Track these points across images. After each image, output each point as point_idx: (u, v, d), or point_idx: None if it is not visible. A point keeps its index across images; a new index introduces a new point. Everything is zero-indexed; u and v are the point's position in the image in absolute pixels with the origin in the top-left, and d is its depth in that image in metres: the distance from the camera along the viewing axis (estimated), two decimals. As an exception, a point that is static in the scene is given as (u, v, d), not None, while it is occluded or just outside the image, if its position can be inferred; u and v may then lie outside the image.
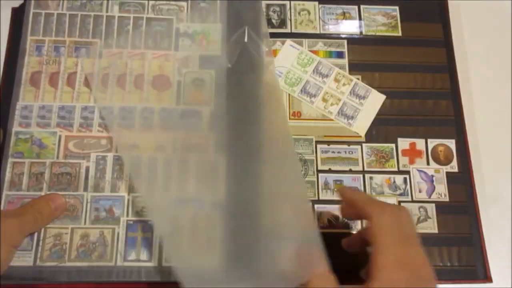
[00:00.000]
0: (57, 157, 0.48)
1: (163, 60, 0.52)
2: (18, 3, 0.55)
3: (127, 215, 0.46)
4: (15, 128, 0.48)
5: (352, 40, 0.55)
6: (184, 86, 0.51)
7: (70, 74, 0.51)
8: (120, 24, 0.53)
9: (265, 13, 0.55)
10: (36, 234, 0.45)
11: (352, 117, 0.52)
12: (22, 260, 0.44)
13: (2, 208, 0.46)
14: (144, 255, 0.45)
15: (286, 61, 0.54)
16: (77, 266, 0.44)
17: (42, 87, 0.50)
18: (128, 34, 0.53)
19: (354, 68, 0.54)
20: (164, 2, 0.54)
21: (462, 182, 0.51)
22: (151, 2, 0.54)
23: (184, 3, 0.55)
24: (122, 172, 0.48)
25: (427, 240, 0.48)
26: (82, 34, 0.52)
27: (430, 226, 0.49)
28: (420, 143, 0.52)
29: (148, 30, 0.53)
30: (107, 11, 0.53)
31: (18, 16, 0.54)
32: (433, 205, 0.50)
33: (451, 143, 0.52)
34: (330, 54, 0.54)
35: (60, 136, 0.48)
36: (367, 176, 0.50)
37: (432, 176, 0.51)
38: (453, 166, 0.51)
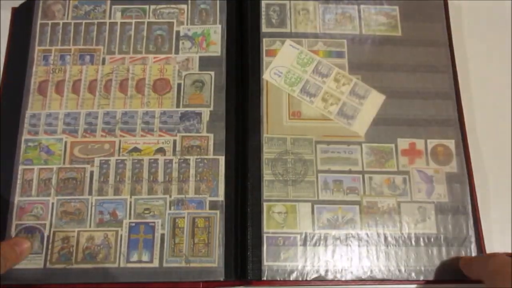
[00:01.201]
0: (64, 163, 0.50)
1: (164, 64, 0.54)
2: (18, 3, 0.56)
3: (130, 218, 0.48)
4: (25, 136, 0.51)
5: (352, 40, 0.54)
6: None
7: (75, 81, 0.53)
8: (123, 29, 0.54)
9: (265, 13, 0.55)
10: (45, 238, 0.47)
11: (352, 117, 0.52)
12: (33, 263, 0.47)
13: (14, 213, 0.48)
14: (145, 257, 0.47)
15: (286, 61, 0.54)
16: (83, 268, 0.46)
17: (49, 95, 0.52)
18: (130, 39, 0.54)
19: (354, 68, 0.54)
20: (165, 5, 0.55)
21: (462, 182, 0.50)
22: (152, 7, 0.55)
23: (184, 6, 0.55)
24: (124, 175, 0.50)
25: (426, 240, 0.48)
26: (86, 41, 0.54)
27: (430, 226, 0.49)
28: (420, 143, 0.51)
29: (149, 34, 0.54)
30: (110, 18, 0.55)
31: (21, 22, 0.55)
32: (433, 205, 0.49)
33: (451, 143, 0.51)
34: (330, 54, 0.54)
35: (66, 142, 0.50)
36: (366, 176, 0.50)
37: (432, 176, 0.50)
38: (453, 166, 0.51)
